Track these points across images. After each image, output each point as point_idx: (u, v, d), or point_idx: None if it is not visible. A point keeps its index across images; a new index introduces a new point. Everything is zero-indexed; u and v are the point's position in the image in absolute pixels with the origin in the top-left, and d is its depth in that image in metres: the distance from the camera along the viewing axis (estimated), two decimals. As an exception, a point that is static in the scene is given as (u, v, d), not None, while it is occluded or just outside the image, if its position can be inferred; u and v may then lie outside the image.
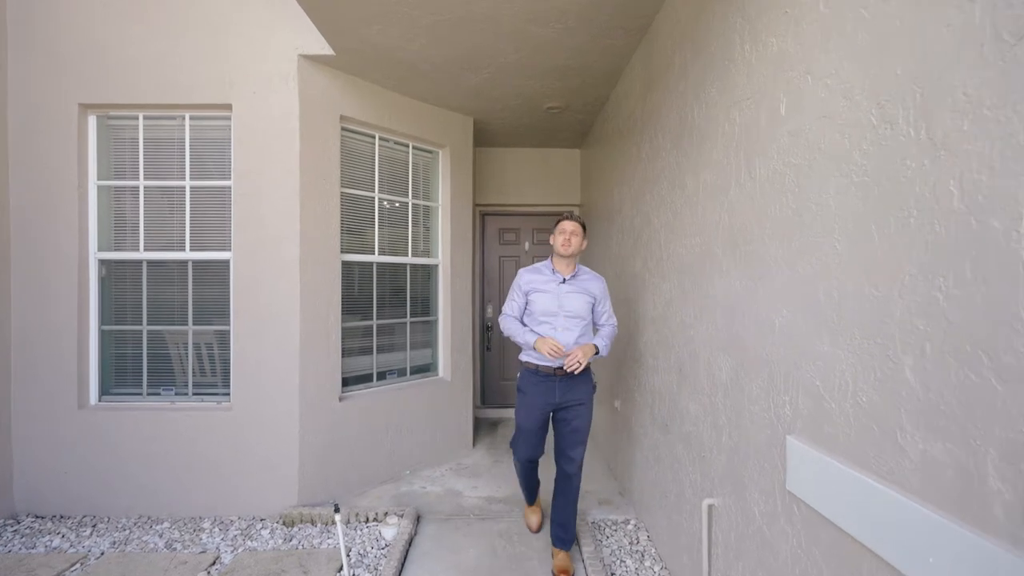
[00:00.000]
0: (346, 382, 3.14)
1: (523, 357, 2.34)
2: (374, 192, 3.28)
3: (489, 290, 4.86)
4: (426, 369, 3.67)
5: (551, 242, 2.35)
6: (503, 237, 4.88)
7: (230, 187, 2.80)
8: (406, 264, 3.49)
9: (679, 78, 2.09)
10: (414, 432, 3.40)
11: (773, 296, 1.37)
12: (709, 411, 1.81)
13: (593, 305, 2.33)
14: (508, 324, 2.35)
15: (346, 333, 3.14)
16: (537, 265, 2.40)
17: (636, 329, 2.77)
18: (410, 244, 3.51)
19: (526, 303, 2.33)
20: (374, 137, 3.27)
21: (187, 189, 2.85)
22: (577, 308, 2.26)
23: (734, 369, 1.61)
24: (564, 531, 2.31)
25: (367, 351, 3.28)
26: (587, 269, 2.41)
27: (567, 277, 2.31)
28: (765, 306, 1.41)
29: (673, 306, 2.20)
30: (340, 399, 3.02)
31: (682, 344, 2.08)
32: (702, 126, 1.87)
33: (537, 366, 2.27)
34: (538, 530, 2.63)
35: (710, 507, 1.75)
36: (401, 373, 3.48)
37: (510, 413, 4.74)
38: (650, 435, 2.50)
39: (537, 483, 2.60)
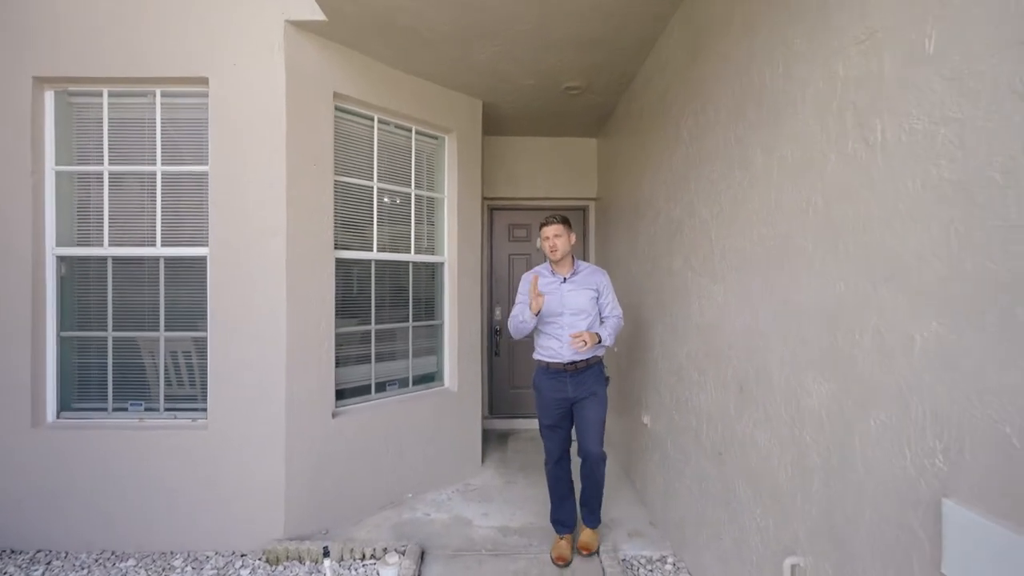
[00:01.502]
0: (341, 395, 2.78)
1: (535, 355, 2.44)
2: (372, 181, 2.92)
3: (498, 290, 4.49)
4: (430, 379, 3.30)
5: (538, 247, 2.52)
6: (513, 233, 4.51)
7: (207, 173, 2.43)
8: (408, 262, 3.13)
9: (741, 36, 1.72)
10: (417, 450, 3.04)
11: (914, 303, 1.00)
12: (790, 446, 1.44)
13: (597, 298, 2.36)
14: (512, 323, 2.38)
15: (341, 339, 2.78)
16: (538, 268, 2.44)
17: (674, 337, 2.41)
18: (412, 240, 3.15)
19: None
20: (372, 119, 2.91)
21: (158, 176, 2.49)
22: (581, 304, 2.31)
23: (834, 396, 1.25)
24: (591, 512, 2.44)
25: (364, 359, 2.92)
26: (586, 264, 2.45)
27: (567, 276, 2.36)
28: (897, 316, 1.05)
29: (729, 312, 1.83)
30: (334, 414, 2.66)
31: (743, 358, 1.72)
32: (778, 90, 1.50)
33: (548, 363, 2.35)
34: (566, 565, 2.31)
35: (794, 568, 1.39)
36: (403, 384, 3.12)
37: (520, 424, 4.38)
38: (695, 462, 2.14)
39: (573, 506, 2.48)
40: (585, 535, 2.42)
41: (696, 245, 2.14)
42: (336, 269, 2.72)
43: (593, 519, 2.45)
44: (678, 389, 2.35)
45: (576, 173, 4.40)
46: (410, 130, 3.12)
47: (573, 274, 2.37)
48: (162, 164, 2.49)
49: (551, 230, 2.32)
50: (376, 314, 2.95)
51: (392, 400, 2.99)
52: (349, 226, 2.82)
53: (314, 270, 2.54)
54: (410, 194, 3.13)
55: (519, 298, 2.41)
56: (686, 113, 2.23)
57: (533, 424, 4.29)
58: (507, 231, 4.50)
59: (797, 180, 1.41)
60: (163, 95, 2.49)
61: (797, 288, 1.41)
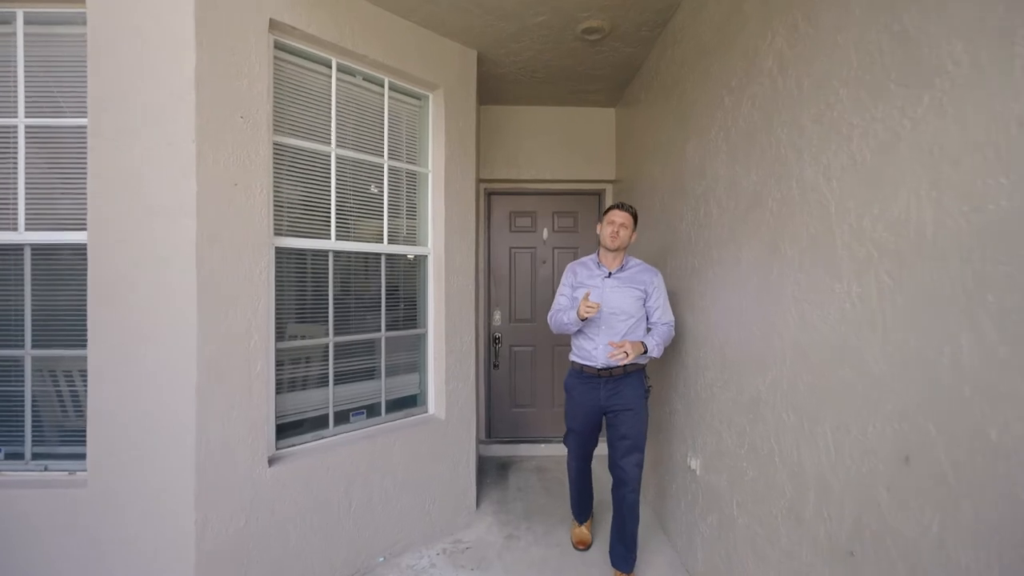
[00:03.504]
0: (285, 431, 2.08)
1: (570, 356, 2.27)
2: (330, 147, 2.21)
3: (498, 291, 3.78)
4: (410, 403, 2.60)
5: (598, 232, 2.22)
6: (515, 223, 3.80)
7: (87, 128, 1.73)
8: (380, 254, 2.42)
9: None
10: (391, 499, 2.33)
11: None
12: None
13: (644, 300, 2.13)
14: (554, 319, 2.22)
15: (286, 357, 2.08)
16: (584, 259, 2.29)
17: (745, 358, 1.70)
18: (386, 226, 2.44)
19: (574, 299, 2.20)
20: (330, 64, 2.20)
21: (21, 131, 1.79)
22: (623, 304, 2.10)
23: None
24: (624, 548, 2.14)
25: (320, 382, 2.22)
26: (638, 261, 2.23)
27: (613, 271, 2.16)
28: None
29: (874, 324, 1.12)
30: (272, 460, 1.96)
31: (912, 410, 1.01)
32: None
33: (582, 366, 2.17)
34: (586, 548, 2.40)
35: None
36: (373, 412, 2.41)
37: (524, 450, 3.67)
38: (789, 547, 1.43)
39: (590, 496, 2.45)
40: None
41: (793, 224, 1.43)
42: (278, 263, 2.02)
43: (627, 560, 2.12)
44: (753, 433, 1.64)
45: (590, 151, 3.68)
46: (383, 83, 2.41)
47: (620, 269, 2.16)
48: (25, 115, 1.79)
49: (620, 216, 2.12)
50: (336, 322, 2.25)
51: (358, 435, 2.28)
52: (298, 206, 2.12)
53: (241, 264, 1.83)
54: (383, 166, 2.42)
55: (562, 289, 2.26)
56: (774, 28, 1.51)
57: (539, 450, 3.59)
58: (508, 220, 3.79)
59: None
60: (27, 20, 1.78)
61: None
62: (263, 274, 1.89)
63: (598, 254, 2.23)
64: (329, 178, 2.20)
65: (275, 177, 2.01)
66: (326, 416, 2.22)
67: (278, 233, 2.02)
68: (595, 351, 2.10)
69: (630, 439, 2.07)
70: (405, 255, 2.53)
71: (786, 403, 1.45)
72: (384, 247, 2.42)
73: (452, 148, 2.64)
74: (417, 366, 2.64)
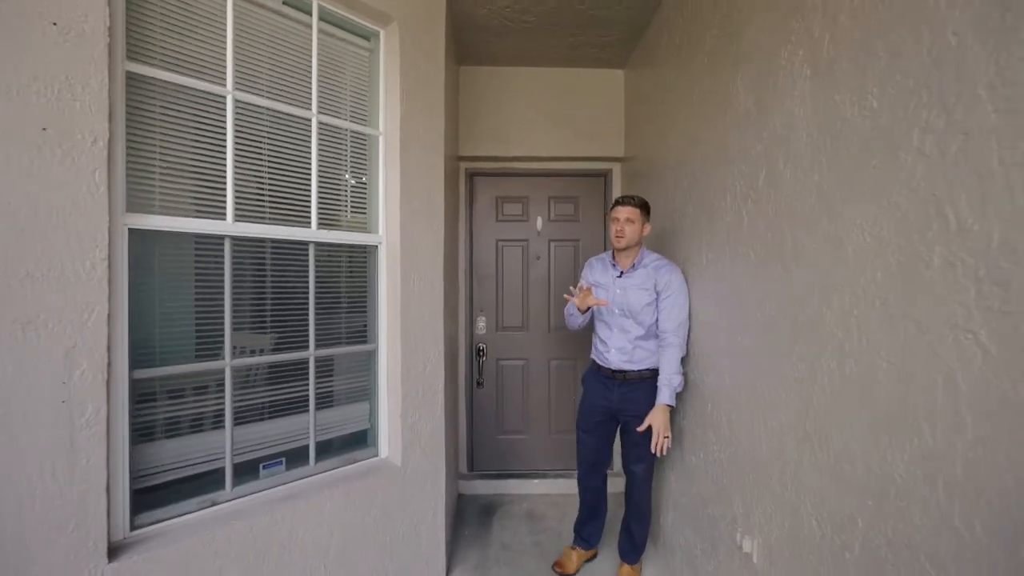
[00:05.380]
0: (148, 499, 1.42)
1: (591, 354, 2.16)
2: (225, 87, 1.55)
3: (482, 292, 3.13)
4: (355, 444, 1.94)
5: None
6: (503, 210, 3.14)
7: None
8: (307, 243, 1.76)
9: None
10: (319, 583, 1.67)
11: None
12: None
13: (657, 300, 1.91)
14: (566, 309, 2.15)
15: (155, 389, 1.42)
16: (603, 255, 2.15)
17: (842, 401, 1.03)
18: (314, 204, 1.78)
19: None
20: (225, -29, 1.55)
21: None
22: (635, 307, 1.93)
23: None
24: (629, 540, 2.13)
25: (214, 421, 1.56)
26: (655, 256, 1.98)
27: (625, 270, 2.00)
28: None
29: None
30: (116, 550, 1.30)
31: None
32: None
33: (599, 365, 2.07)
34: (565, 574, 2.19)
35: None
36: (297, 459, 1.75)
37: (512, 487, 3.01)
38: None
39: (599, 521, 2.22)
40: (623, 572, 2.14)
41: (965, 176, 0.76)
42: (140, 253, 1.37)
43: (633, 551, 2.13)
44: (873, 530, 0.97)
45: (594, 122, 3.03)
46: (309, 9, 1.75)
47: (633, 268, 1.98)
48: None
49: (624, 211, 1.96)
50: (234, 336, 1.59)
51: (272, 495, 1.63)
52: (176, 171, 1.46)
53: (52, 255, 1.18)
54: (310, 121, 1.77)
55: (581, 283, 2.08)
56: None
57: (532, 487, 2.94)
58: (494, 207, 3.14)
59: None
60: None
61: None
62: (97, 270, 1.24)
63: (613, 250, 2.06)
64: (224, 133, 1.55)
65: (131, 126, 1.35)
66: (220, 471, 1.57)
67: (138, 209, 1.37)
68: (607, 354, 2.02)
69: (642, 447, 1.95)
70: (346, 245, 1.88)
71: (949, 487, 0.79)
72: (312, 233, 1.76)
73: (412, 104, 1.98)
74: (367, 393, 1.99)
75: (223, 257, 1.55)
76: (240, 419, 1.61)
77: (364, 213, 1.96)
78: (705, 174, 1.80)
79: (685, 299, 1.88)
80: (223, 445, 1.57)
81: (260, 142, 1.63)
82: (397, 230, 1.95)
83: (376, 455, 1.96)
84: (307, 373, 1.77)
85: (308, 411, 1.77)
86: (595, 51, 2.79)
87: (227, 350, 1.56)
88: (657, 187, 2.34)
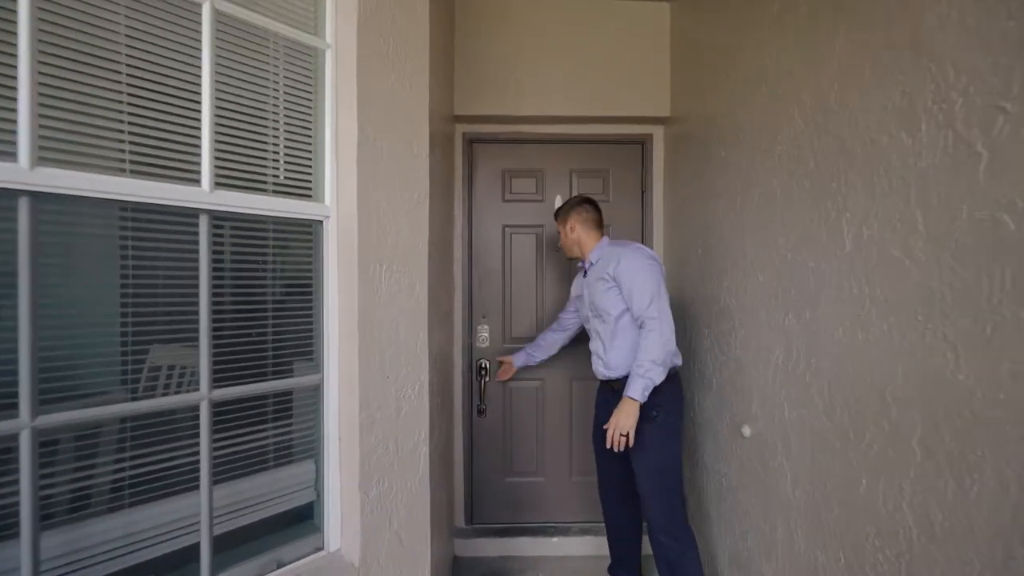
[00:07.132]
0: None
1: None
2: (21, -77, 0.85)
3: (486, 291, 2.43)
4: (285, 529, 1.24)
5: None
6: (511, 187, 2.44)
7: None
8: (196, 210, 1.06)
9: None
10: None
11: None
12: None
13: (619, 290, 1.71)
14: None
15: None
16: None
17: None
18: (206, 150, 1.07)
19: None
20: None
21: None
22: (603, 303, 1.75)
23: None
24: None
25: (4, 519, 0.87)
26: (609, 242, 1.83)
27: (588, 267, 1.85)
28: None
29: None
30: None
31: None
32: None
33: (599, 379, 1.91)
34: None
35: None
36: (182, 562, 1.06)
37: (524, 547, 2.31)
38: None
39: (627, 544, 1.94)
40: None
41: None
42: None
43: None
44: None
45: (629, 71, 2.32)
46: None
47: (592, 265, 1.82)
48: None
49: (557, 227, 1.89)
50: (42, 377, 0.89)
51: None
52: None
53: None
54: (199, 8, 1.07)
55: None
56: None
57: (550, 548, 2.26)
58: (500, 183, 2.44)
59: None
60: None
61: None
62: None
63: None
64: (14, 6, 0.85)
65: None
66: (16, 617, 0.87)
67: None
68: (594, 364, 1.86)
69: (640, 475, 1.70)
70: (269, 217, 1.18)
71: None
72: (202, 195, 1.06)
73: (372, 2, 1.28)
74: (311, 447, 1.29)
75: (15, 227, 0.86)
76: (50, 518, 0.91)
77: (307, 172, 1.26)
78: (793, 144, 1.09)
79: (647, 273, 1.64)
80: (18, 558, 0.87)
81: (104, 38, 0.93)
82: (353, 199, 1.25)
83: (321, 547, 1.26)
84: (201, 424, 1.07)
85: (199, 487, 1.08)
86: (635, -28, 2.09)
87: (24, 402, 0.86)
88: (716, 160, 1.64)
